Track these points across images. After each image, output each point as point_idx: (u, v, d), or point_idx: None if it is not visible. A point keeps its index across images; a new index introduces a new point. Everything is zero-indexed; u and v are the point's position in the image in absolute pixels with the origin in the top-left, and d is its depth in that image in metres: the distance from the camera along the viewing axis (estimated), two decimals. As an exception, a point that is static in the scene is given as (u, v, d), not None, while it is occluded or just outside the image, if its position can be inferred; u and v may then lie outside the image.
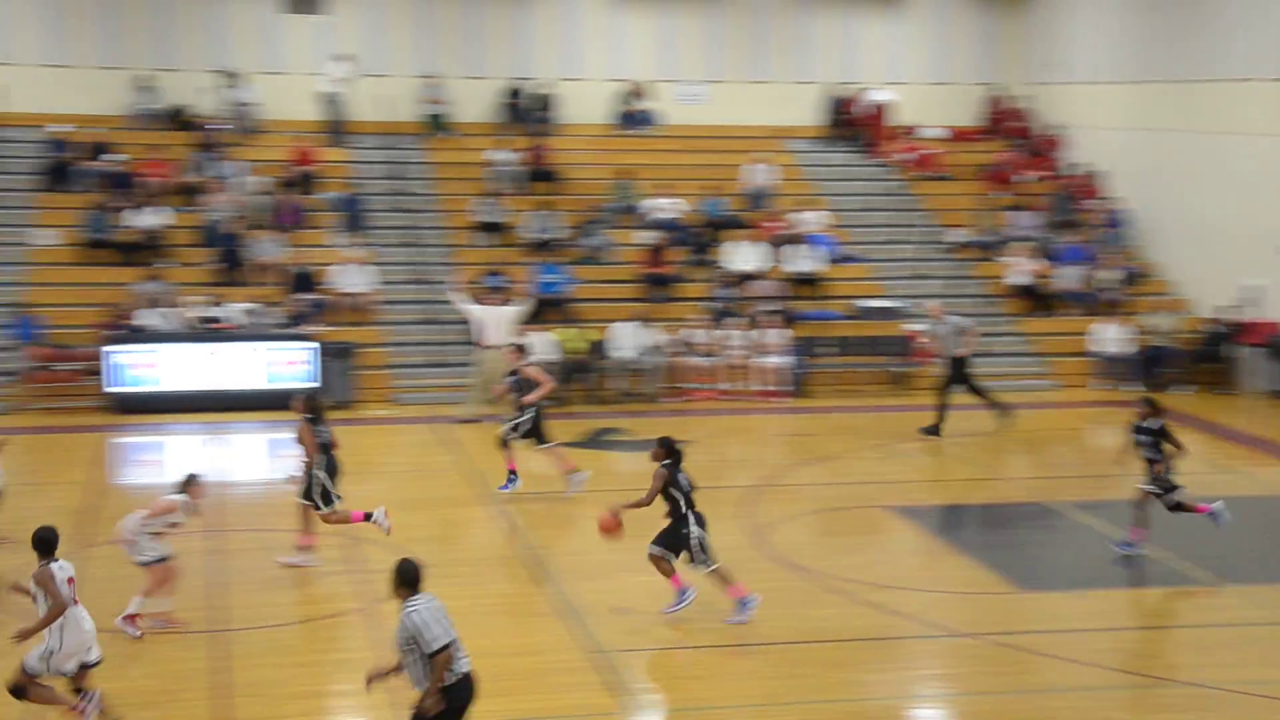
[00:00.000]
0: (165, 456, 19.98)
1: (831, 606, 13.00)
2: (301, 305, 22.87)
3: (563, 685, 11.17)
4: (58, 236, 24.03)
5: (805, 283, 25.54)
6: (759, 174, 27.74)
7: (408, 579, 8.55)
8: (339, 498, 14.01)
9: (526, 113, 28.77)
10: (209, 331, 21.86)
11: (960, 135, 30.47)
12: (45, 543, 9.61)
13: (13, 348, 21.43)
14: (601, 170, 27.46)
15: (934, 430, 20.34)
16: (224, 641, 11.83)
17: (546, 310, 23.83)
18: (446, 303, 22.93)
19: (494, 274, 24.09)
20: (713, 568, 12.28)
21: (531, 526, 15.67)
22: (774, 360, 23.35)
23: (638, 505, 12.25)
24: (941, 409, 20.42)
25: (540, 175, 27.27)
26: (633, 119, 29.32)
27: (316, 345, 21.83)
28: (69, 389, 21.31)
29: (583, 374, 22.91)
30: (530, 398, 16.62)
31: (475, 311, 21.48)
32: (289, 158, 26.28)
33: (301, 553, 13.92)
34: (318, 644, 12.00)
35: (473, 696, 8.58)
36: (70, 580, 9.60)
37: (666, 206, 26.50)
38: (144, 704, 10.60)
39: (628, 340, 23.05)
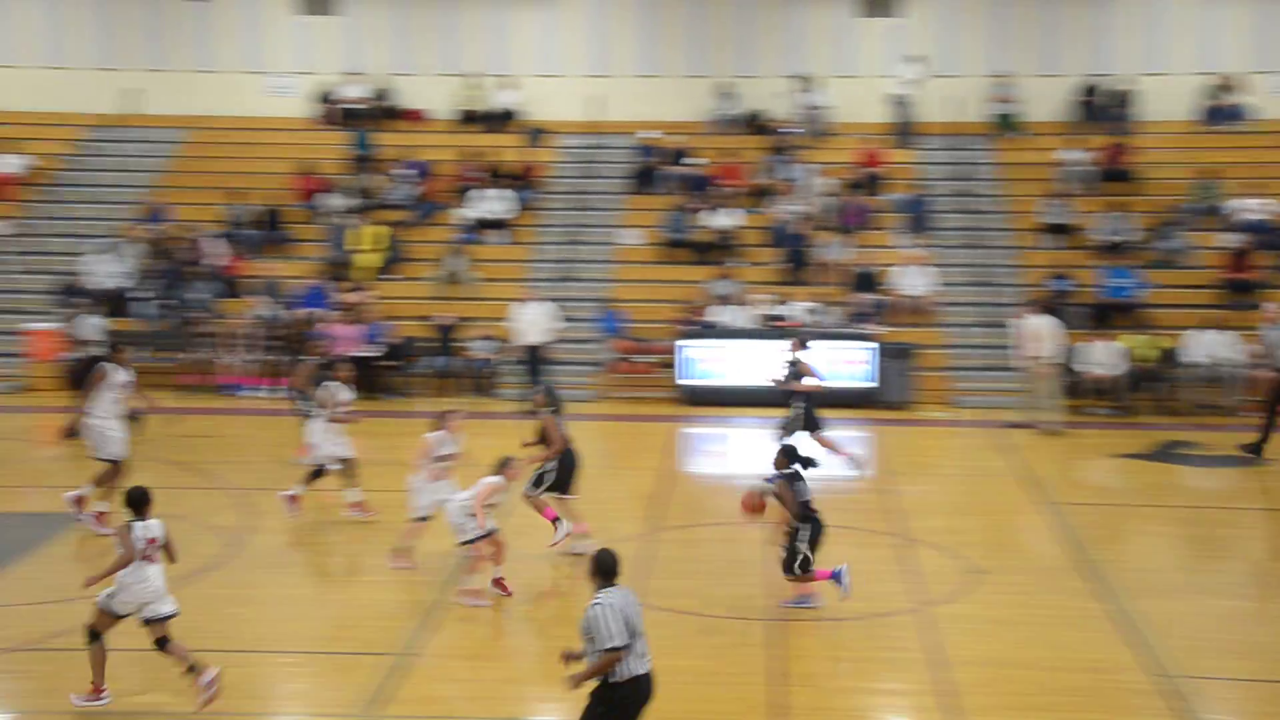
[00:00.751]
0: (728, 448, 20.83)
1: None
2: (862, 305, 23.16)
3: (1124, 707, 10.66)
4: (641, 236, 25.64)
5: None
6: (1368, 171, 25.21)
7: (601, 569, 8.48)
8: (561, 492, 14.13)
9: (1102, 110, 27.66)
10: (773, 329, 22.57)
11: None
12: (134, 501, 10.40)
13: (598, 340, 23.09)
14: (1182, 169, 25.94)
15: (1255, 448, 17.97)
16: (781, 631, 12.18)
17: (1115, 316, 22.83)
18: (1008, 305, 22.48)
19: (1059, 277, 23.37)
20: (791, 575, 12.23)
21: (1092, 538, 15.03)
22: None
23: (785, 519, 12.22)
24: (1267, 427, 18.02)
25: (1114, 175, 26.13)
26: (1220, 114, 27.47)
27: (875, 345, 22.01)
28: (645, 380, 22.68)
29: (1152, 383, 21.75)
30: (797, 385, 16.85)
31: (1020, 323, 20.94)
32: (856, 160, 26.68)
33: (578, 539, 14.02)
34: (870, 641, 12.10)
35: (645, 698, 8.46)
36: (151, 540, 10.26)
37: (1255, 207, 24.64)
38: (704, 683, 11.11)
39: (1203, 349, 21.64)
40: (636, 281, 24.66)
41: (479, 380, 22.59)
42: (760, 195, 26.14)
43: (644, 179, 26.82)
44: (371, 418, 20.71)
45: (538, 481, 14.08)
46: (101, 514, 14.69)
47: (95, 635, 10.43)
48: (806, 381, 17.12)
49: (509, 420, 20.97)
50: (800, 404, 17.13)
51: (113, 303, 23.51)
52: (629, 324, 23.11)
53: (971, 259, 25.00)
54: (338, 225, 25.03)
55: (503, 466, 12.87)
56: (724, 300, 23.09)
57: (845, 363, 22.02)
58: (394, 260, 24.80)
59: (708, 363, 22.23)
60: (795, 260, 24.37)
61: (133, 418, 15.17)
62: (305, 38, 29.02)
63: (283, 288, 23.51)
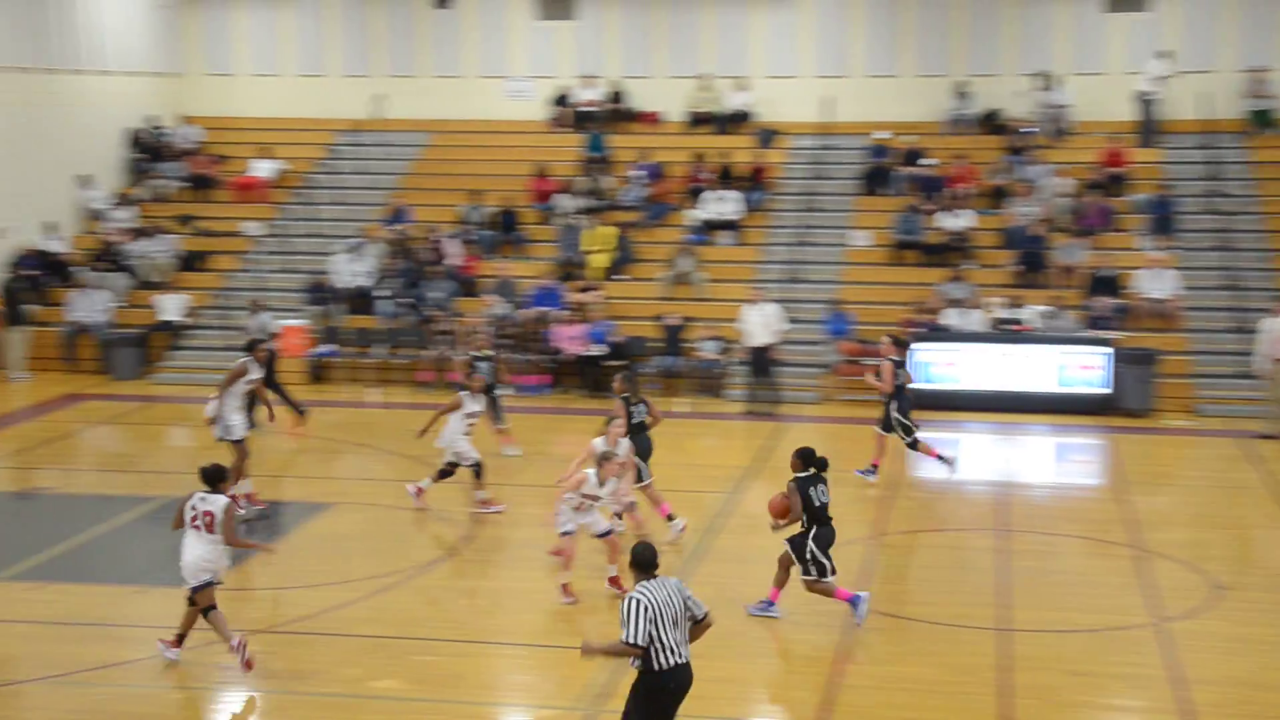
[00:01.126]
0: (958, 453, 20.43)
1: None
2: (1100, 309, 22.43)
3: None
4: (870, 238, 25.36)
5: None
6: None
7: (639, 562, 8.60)
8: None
9: (1369, 104, 26.16)
10: (1006, 333, 22.05)
11: None
12: (207, 475, 11.16)
13: (825, 342, 22.93)
14: None
15: None
16: (1008, 641, 11.91)
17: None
18: (1258, 310, 21.46)
19: (1317, 281, 22.22)
20: (816, 580, 12.05)
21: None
22: None
23: (790, 523, 11.97)
24: None
25: (1379, 173, 24.68)
26: None
27: (1112, 350, 21.30)
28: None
29: None
30: (873, 383, 17.07)
31: (1267, 324, 19.95)
32: (1098, 159, 25.85)
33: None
34: (1102, 655, 11.72)
35: (681, 687, 8.56)
36: (206, 513, 10.97)
37: None
38: (930, 692, 10.95)
39: None
40: (866, 283, 24.38)
41: (706, 381, 22.70)
42: (995, 196, 25.56)
43: (875, 180, 26.52)
44: (596, 416, 21.03)
45: (638, 476, 14.43)
46: (249, 495, 15.85)
47: (206, 610, 11.15)
48: (887, 382, 17.01)
49: (734, 421, 21.05)
50: (893, 404, 17.03)
51: (356, 300, 24.45)
52: (857, 326, 22.88)
53: (1220, 262, 23.94)
54: (570, 226, 25.49)
55: (601, 459, 12.86)
56: (956, 303, 22.66)
57: (1079, 368, 21.39)
58: (624, 261, 25.12)
59: (939, 366, 21.86)
60: (1031, 263, 23.75)
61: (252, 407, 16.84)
62: (543, 42, 29.62)
63: (516, 287, 24.07)
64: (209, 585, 11.09)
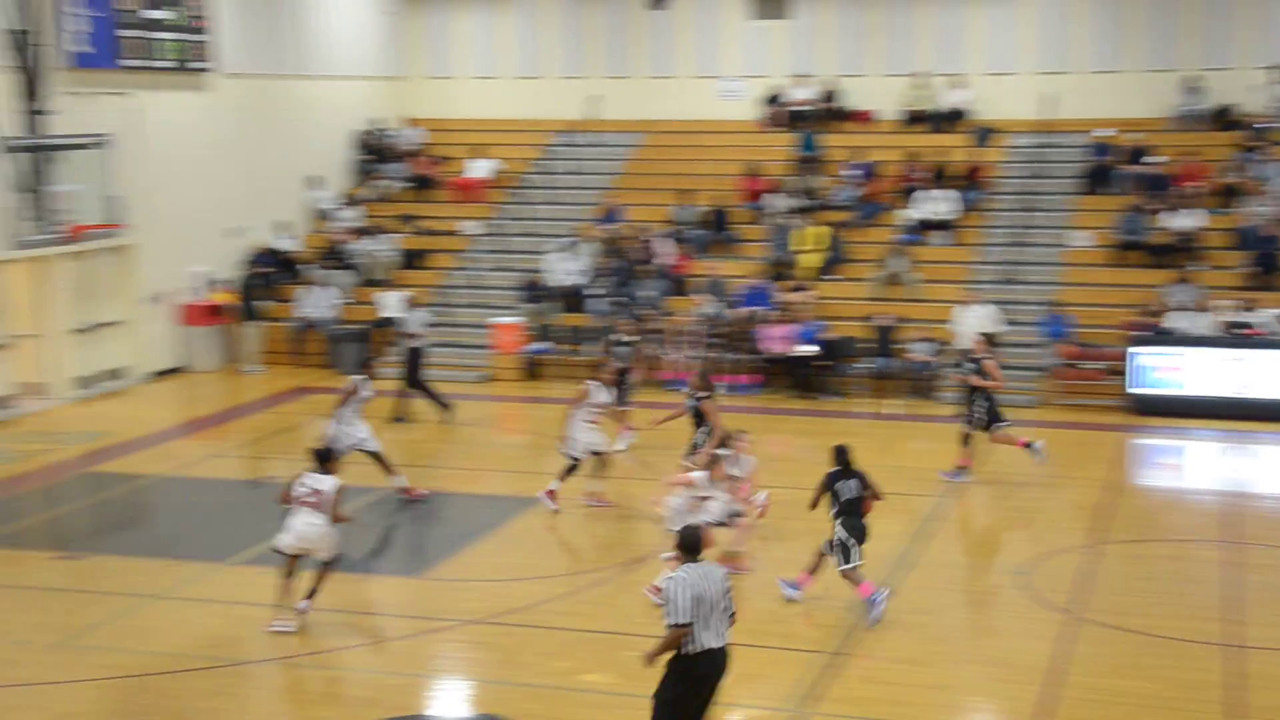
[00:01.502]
0: (1184, 461, 19.71)
1: None
2: (1342, 314, 21.33)
3: None
4: (1092, 238, 24.61)
5: None
6: None
7: (684, 545, 8.86)
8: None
9: None
10: (1237, 337, 21.14)
11: None
12: (318, 455, 12.22)
13: (1043, 344, 22.34)
14: None
15: None
16: (1239, 658, 11.43)
17: None
18: None
19: None
20: (844, 568, 12.26)
21: None
22: None
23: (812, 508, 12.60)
24: None
25: None
26: None
27: (1356, 357, 20.23)
28: (1093, 387, 21.75)
29: None
30: (977, 381, 16.81)
31: None
32: (1339, 156, 24.61)
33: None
34: (1341, 677, 11.15)
35: (716, 671, 8.70)
36: (316, 491, 11.83)
37: None
38: (1155, 707, 10.57)
39: None
40: (1086, 285, 23.66)
41: (917, 383, 22.35)
42: (1226, 195, 24.52)
43: (1097, 178, 25.72)
44: (806, 417, 20.96)
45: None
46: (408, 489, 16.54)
47: (290, 572, 11.98)
48: (986, 380, 16.99)
49: (946, 424, 20.70)
50: (983, 401, 16.96)
51: (569, 298, 24.83)
52: (1076, 329, 22.24)
53: None
54: (782, 226, 25.39)
55: (710, 463, 13.07)
56: (1182, 306, 21.82)
57: (1317, 375, 20.40)
58: (836, 260, 24.91)
59: (1163, 371, 21.08)
60: (1265, 264, 22.71)
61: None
62: (757, 42, 29.58)
63: (727, 287, 24.09)
64: (298, 557, 11.99)
